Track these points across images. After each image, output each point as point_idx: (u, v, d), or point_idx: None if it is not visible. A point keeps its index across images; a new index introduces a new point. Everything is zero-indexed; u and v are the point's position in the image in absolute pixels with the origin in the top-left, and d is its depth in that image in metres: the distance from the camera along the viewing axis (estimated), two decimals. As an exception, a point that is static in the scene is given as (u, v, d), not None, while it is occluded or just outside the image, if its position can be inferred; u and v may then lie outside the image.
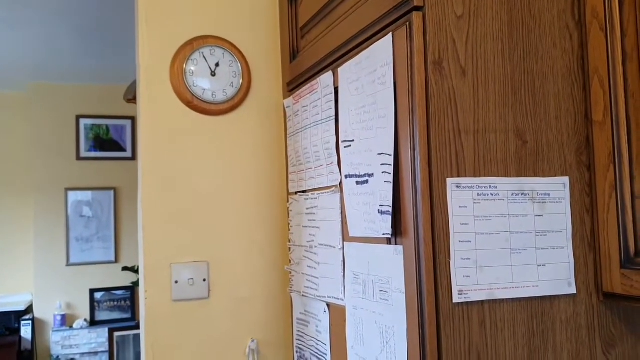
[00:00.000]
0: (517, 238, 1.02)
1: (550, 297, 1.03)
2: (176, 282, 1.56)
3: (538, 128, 1.05)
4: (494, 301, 0.99)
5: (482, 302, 0.99)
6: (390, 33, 1.05)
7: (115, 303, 4.70)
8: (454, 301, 0.97)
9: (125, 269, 4.56)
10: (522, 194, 1.03)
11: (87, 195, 4.68)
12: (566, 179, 1.06)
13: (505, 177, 1.02)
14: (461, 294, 0.97)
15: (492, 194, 1.01)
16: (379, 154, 1.09)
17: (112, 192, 4.73)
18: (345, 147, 1.24)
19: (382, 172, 1.08)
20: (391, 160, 1.05)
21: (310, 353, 1.47)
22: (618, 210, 1.01)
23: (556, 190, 1.05)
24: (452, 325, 0.97)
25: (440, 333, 0.96)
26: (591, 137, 1.07)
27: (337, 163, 1.29)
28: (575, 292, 1.04)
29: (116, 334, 4.52)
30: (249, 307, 1.64)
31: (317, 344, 1.42)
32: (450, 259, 0.97)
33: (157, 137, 1.59)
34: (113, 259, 4.73)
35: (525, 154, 1.04)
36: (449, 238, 0.98)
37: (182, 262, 1.58)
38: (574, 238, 1.05)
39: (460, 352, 0.97)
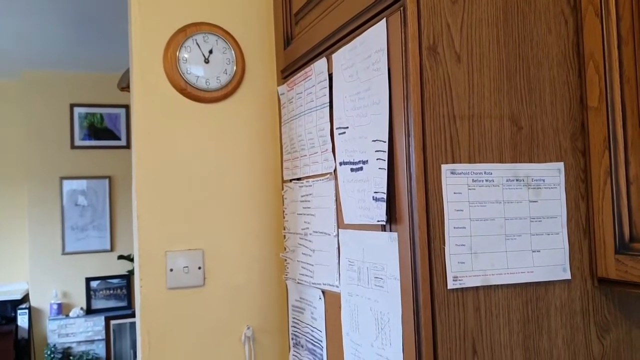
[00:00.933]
0: (511, 224, 1.02)
1: (545, 282, 1.03)
2: (171, 270, 1.56)
3: (533, 114, 1.05)
4: (489, 287, 0.99)
5: (477, 288, 0.99)
6: (385, 18, 1.04)
7: (111, 291, 4.70)
8: (448, 287, 0.97)
9: (120, 257, 4.56)
10: (517, 180, 1.03)
11: (82, 184, 4.66)
12: (561, 165, 1.06)
13: (500, 163, 1.02)
14: (456, 280, 0.97)
15: (486, 180, 1.01)
16: (373, 141, 1.09)
17: (106, 180, 4.71)
18: (339, 134, 1.23)
19: (377, 159, 1.07)
20: (385, 146, 1.04)
21: (306, 340, 1.47)
22: (613, 196, 1.01)
23: (551, 176, 1.05)
24: (446, 311, 0.97)
25: (435, 319, 0.96)
26: (586, 123, 1.07)
27: (331, 150, 1.29)
28: (569, 277, 1.04)
29: (112, 322, 4.52)
30: (244, 295, 1.64)
31: (313, 331, 1.42)
32: (444, 245, 0.97)
33: (150, 125, 1.58)
34: (109, 247, 4.72)
35: (520, 139, 1.04)
36: (443, 224, 0.98)
37: (177, 250, 1.58)
38: (568, 224, 1.05)
39: (455, 338, 0.97)
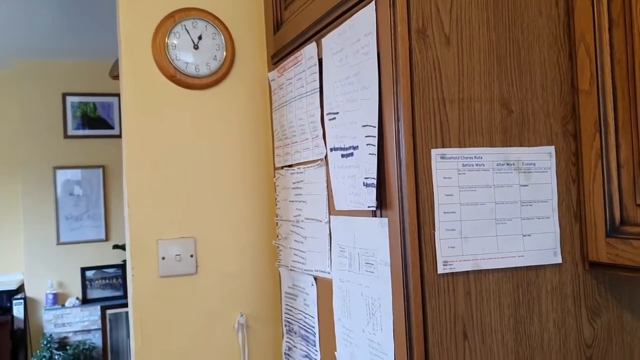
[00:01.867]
0: (502, 208, 1.01)
1: (536, 267, 1.03)
2: (163, 258, 1.55)
3: (524, 97, 1.04)
4: (479, 272, 0.99)
5: (467, 272, 0.98)
6: (373, 1, 1.03)
7: (107, 281, 4.69)
8: (438, 272, 0.96)
9: (115, 247, 4.55)
10: (508, 164, 1.02)
11: (76, 173, 4.64)
12: (552, 149, 1.05)
13: (491, 147, 1.01)
14: (446, 265, 0.97)
15: (477, 165, 1.00)
16: (363, 126, 1.08)
17: (100, 170, 4.69)
18: (329, 119, 1.22)
19: (367, 145, 1.06)
20: (375, 132, 1.03)
21: (299, 326, 1.47)
22: (604, 179, 1.00)
23: (542, 159, 1.04)
24: (437, 296, 0.96)
25: (426, 304, 0.96)
26: (577, 106, 1.06)
27: (322, 136, 1.28)
28: (560, 261, 1.04)
29: (108, 311, 4.52)
30: (237, 282, 1.64)
31: (305, 317, 1.42)
32: (434, 230, 0.97)
33: (140, 112, 1.56)
34: (103, 237, 4.71)
35: (510, 123, 1.03)
36: (433, 209, 0.97)
37: (169, 238, 1.57)
38: (559, 208, 1.05)
39: (446, 323, 0.97)
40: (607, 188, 1.00)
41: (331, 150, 1.22)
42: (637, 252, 0.94)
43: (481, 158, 1.00)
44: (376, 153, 1.03)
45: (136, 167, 1.56)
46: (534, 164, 1.04)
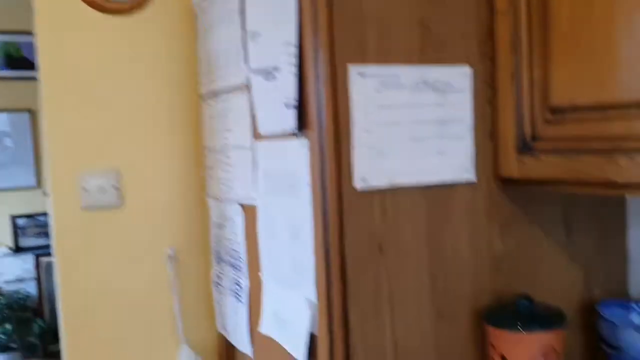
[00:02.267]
0: (418, 127, 1.02)
1: (450, 184, 1.06)
2: (85, 189, 1.51)
3: (443, 17, 1.04)
4: (396, 189, 1.01)
5: (384, 190, 1.00)
6: None
7: (41, 229, 4.55)
8: (356, 189, 0.98)
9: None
10: (425, 84, 1.03)
11: (1, 118, 4.41)
12: (469, 69, 1.06)
13: (408, 65, 1.01)
14: (364, 181, 0.98)
15: (394, 83, 1.00)
16: (284, 45, 1.06)
17: (27, 114, 4.48)
18: (252, 41, 1.19)
19: (288, 64, 1.05)
20: (295, 51, 1.02)
21: (227, 255, 1.48)
22: (517, 97, 1.03)
23: (458, 80, 1.06)
24: (355, 212, 0.98)
25: (343, 221, 0.98)
26: (495, 27, 1.07)
27: (245, 60, 1.25)
28: (474, 178, 1.07)
29: (43, 259, 4.41)
30: (165, 215, 1.62)
31: (233, 245, 1.43)
32: (352, 148, 0.97)
33: (56, 38, 1.48)
34: (34, 184, 4.54)
35: (428, 43, 1.03)
36: (351, 128, 0.97)
37: (91, 169, 1.52)
38: (474, 127, 1.07)
39: (362, 239, 0.99)
40: (519, 106, 1.03)
41: (254, 73, 1.20)
42: (545, 166, 0.98)
43: (399, 77, 1.01)
44: (297, 73, 1.02)
45: (54, 98, 1.49)
46: (451, 84, 1.05)
